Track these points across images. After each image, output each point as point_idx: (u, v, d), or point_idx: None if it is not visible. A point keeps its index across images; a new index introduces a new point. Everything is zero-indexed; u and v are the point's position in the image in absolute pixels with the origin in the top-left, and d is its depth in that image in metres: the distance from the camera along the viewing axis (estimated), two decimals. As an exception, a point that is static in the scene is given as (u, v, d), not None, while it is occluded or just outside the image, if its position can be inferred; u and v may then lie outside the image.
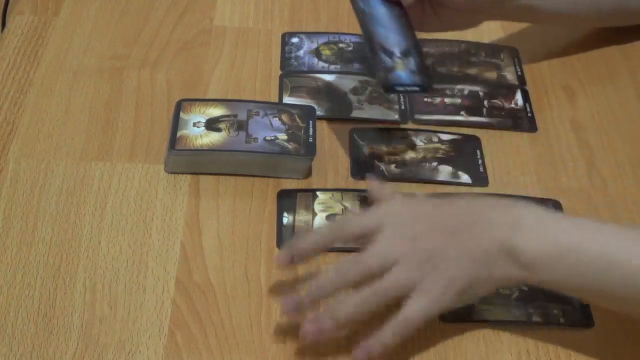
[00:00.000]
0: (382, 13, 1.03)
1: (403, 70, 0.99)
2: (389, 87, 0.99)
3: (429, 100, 1.12)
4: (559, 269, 0.81)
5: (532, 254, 0.81)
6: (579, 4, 1.11)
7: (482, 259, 0.82)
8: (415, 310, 0.82)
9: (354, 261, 0.84)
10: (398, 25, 1.03)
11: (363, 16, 1.02)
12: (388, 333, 0.82)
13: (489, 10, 1.09)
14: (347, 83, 1.12)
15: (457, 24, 1.10)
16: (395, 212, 0.86)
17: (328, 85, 1.12)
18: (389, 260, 0.83)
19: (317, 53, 1.17)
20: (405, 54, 1.00)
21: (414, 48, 1.01)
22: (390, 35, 1.01)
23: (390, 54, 0.99)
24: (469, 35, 1.21)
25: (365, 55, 1.17)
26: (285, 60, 1.15)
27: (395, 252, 0.83)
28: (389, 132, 1.07)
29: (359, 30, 1.21)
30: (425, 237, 0.83)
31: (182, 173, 1.00)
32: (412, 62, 1.00)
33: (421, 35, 1.05)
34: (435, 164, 1.04)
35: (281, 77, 1.13)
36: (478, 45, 1.20)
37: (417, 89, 0.99)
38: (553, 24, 1.19)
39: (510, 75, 1.16)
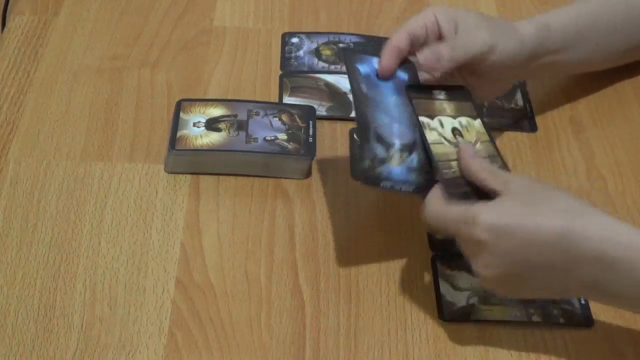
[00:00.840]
0: (390, 101, 0.92)
1: (398, 165, 0.87)
2: (373, 180, 0.86)
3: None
4: None
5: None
6: (597, 51, 1.08)
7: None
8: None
9: None
10: (409, 116, 0.91)
11: (363, 99, 0.90)
12: None
13: (515, 75, 1.06)
14: (347, 83, 1.12)
15: (486, 93, 1.03)
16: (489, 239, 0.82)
17: (328, 85, 1.12)
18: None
19: (317, 53, 1.17)
20: (407, 149, 0.88)
21: (420, 145, 0.89)
22: (394, 125, 0.89)
23: (387, 145, 0.87)
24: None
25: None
26: (285, 60, 1.16)
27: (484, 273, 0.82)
28: (389, 132, 1.07)
29: (359, 30, 1.22)
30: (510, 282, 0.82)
31: (182, 173, 1.00)
32: (414, 159, 0.88)
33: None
34: (435, 164, 1.03)
35: (281, 77, 1.13)
36: (478, 45, 1.20)
37: (409, 189, 0.87)
38: (574, 72, 1.15)
39: (510, 75, 1.16)
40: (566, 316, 0.90)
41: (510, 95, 1.13)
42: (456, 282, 0.92)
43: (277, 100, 1.10)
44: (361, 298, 0.90)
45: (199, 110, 1.04)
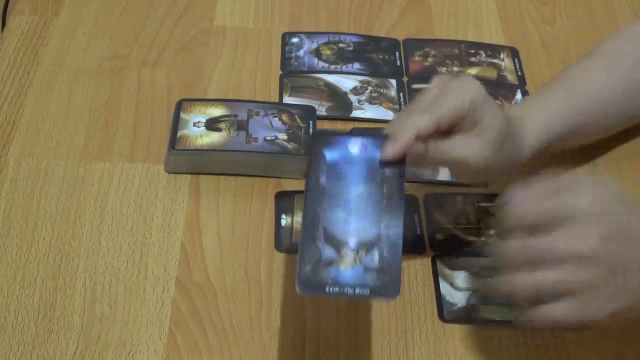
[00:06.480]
0: (354, 192, 0.81)
1: (351, 266, 0.77)
2: (314, 287, 0.76)
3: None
4: None
5: None
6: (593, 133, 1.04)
7: None
8: (594, 307, 0.76)
9: (544, 242, 0.77)
10: (374, 210, 0.80)
11: (317, 193, 0.81)
12: (538, 316, 0.77)
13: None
14: (347, 83, 1.12)
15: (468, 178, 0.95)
16: (587, 204, 0.77)
17: (328, 85, 1.12)
18: (577, 251, 0.75)
19: (317, 53, 1.17)
20: (366, 246, 0.78)
21: (387, 241, 0.78)
22: (351, 221, 0.79)
23: (338, 245, 0.78)
24: (469, 35, 1.21)
25: (365, 55, 1.17)
26: (285, 60, 1.16)
27: (586, 245, 0.75)
28: (389, 132, 1.07)
29: (359, 30, 1.22)
30: (617, 242, 0.76)
31: (182, 173, 1.00)
32: (374, 257, 0.77)
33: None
34: (435, 164, 1.04)
35: (281, 77, 1.13)
36: (478, 45, 1.20)
37: (364, 292, 0.76)
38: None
39: (510, 75, 1.16)
40: (566, 316, 0.90)
41: (510, 95, 1.13)
42: (456, 282, 0.92)
43: (277, 100, 1.10)
44: (361, 298, 0.90)
45: (199, 110, 1.04)
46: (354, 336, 0.87)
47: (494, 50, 1.19)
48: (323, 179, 0.81)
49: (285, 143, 1.01)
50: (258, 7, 1.23)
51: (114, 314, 0.87)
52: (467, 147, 0.86)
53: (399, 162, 0.82)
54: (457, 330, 0.88)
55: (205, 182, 1.00)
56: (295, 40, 1.18)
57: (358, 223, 0.80)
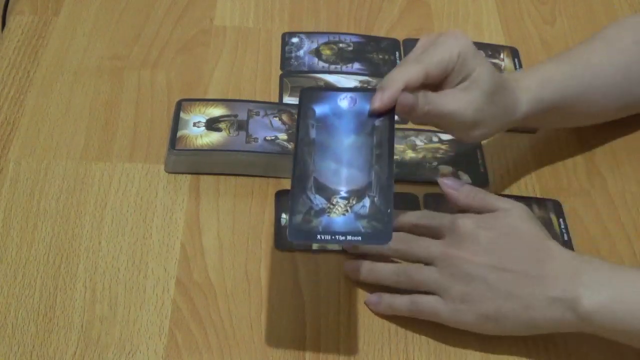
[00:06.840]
0: (344, 143, 0.83)
1: (342, 214, 0.78)
2: (305, 235, 0.78)
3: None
4: (618, 321, 0.81)
5: (593, 307, 0.80)
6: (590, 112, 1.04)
7: (528, 304, 0.82)
8: (427, 304, 0.85)
9: (413, 241, 0.87)
10: (364, 159, 0.81)
11: (307, 146, 0.82)
12: (398, 302, 0.86)
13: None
14: (347, 83, 1.12)
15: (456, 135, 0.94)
16: (466, 226, 0.85)
17: (328, 85, 1.12)
18: (433, 256, 0.85)
19: (317, 53, 1.17)
20: (357, 195, 0.79)
21: (378, 188, 0.80)
22: (343, 171, 0.81)
23: (329, 194, 0.79)
24: (469, 35, 1.21)
25: (365, 55, 1.17)
26: (285, 60, 1.16)
27: (445, 252, 0.85)
28: (389, 132, 1.07)
29: (359, 30, 1.22)
30: (480, 259, 0.84)
31: (182, 173, 1.00)
32: (365, 204, 0.79)
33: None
34: (435, 164, 1.04)
35: (281, 77, 1.13)
36: (478, 45, 1.19)
37: (356, 238, 0.78)
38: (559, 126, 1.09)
39: (510, 75, 1.16)
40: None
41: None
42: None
43: (277, 100, 1.10)
44: (361, 298, 0.90)
45: (199, 110, 1.04)
46: (354, 336, 0.87)
47: (494, 50, 1.19)
48: (313, 133, 0.83)
49: (285, 143, 1.01)
50: (258, 7, 1.23)
51: (114, 314, 0.87)
52: (457, 99, 0.87)
53: (389, 112, 0.83)
54: (457, 331, 0.88)
55: (205, 182, 1.00)
56: (295, 40, 1.19)
57: (349, 172, 0.81)
